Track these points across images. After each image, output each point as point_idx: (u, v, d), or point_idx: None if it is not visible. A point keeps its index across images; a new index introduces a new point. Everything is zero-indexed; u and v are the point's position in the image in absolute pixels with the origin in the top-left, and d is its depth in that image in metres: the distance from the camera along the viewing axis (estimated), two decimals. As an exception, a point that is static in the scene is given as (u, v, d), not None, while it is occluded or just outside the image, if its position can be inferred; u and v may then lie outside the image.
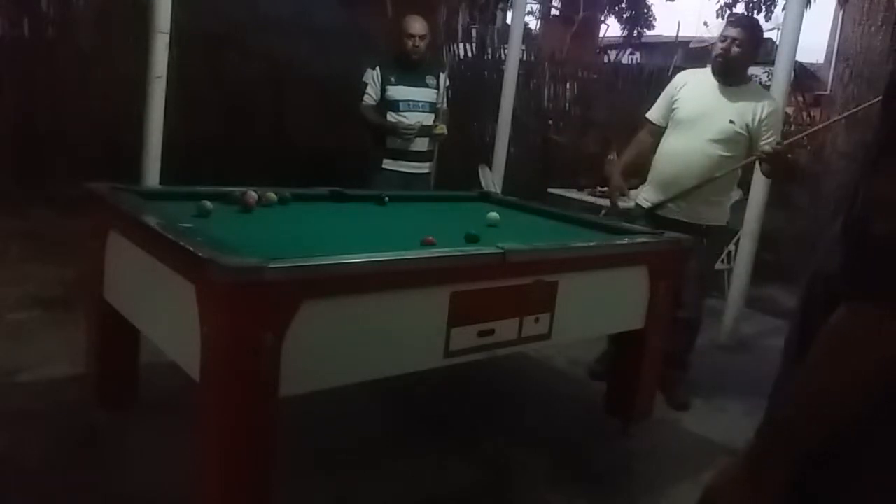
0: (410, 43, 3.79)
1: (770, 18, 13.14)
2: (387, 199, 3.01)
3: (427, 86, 3.91)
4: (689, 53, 12.65)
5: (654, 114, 3.28)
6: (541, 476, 2.47)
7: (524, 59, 6.58)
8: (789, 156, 3.10)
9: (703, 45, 13.04)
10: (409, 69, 3.85)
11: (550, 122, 7.21)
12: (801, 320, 0.91)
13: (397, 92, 3.81)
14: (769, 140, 2.99)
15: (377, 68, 3.83)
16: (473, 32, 7.16)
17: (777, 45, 4.12)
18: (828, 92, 7.57)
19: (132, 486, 2.08)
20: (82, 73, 4.77)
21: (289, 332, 1.67)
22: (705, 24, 14.42)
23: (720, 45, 3.05)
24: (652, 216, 3.16)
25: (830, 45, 10.79)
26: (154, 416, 2.41)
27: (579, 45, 11.21)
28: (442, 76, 3.97)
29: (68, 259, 3.52)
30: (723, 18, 13.62)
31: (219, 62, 5.26)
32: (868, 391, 0.79)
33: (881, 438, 0.84)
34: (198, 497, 1.75)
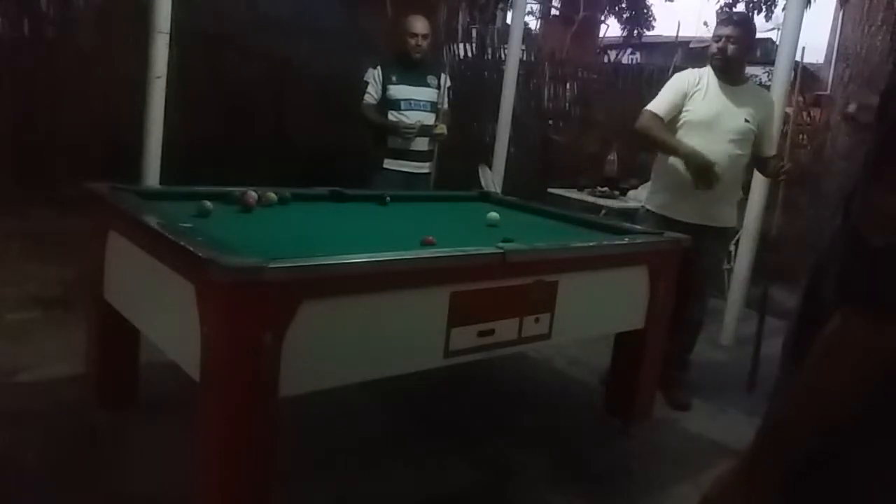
0: (413, 42, 3.79)
1: (770, 18, 13.15)
2: (388, 198, 3.02)
3: (428, 85, 3.91)
4: (689, 53, 12.65)
5: (661, 108, 3.04)
6: (541, 476, 2.47)
7: (524, 59, 6.58)
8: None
9: (703, 45, 13.02)
10: (411, 68, 3.85)
11: (550, 122, 7.22)
12: (799, 322, 0.92)
13: (398, 91, 3.81)
14: (767, 139, 3.10)
15: (378, 67, 3.83)
16: (473, 32, 7.17)
17: (777, 45, 4.11)
18: (828, 92, 7.57)
19: (132, 486, 2.08)
20: (82, 73, 4.77)
21: (289, 332, 1.67)
22: (705, 24, 14.42)
23: (716, 44, 3.03)
24: (661, 219, 3.08)
25: (830, 45, 10.79)
26: (154, 416, 2.41)
27: (579, 45, 11.21)
28: (443, 76, 3.97)
29: (68, 259, 3.52)
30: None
31: (219, 62, 5.26)
32: (861, 397, 0.80)
33: (880, 440, 0.84)
34: (198, 497, 1.75)
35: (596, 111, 7.33)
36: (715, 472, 0.94)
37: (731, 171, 3.00)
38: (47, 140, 4.63)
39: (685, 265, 2.90)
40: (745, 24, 3.12)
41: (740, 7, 12.79)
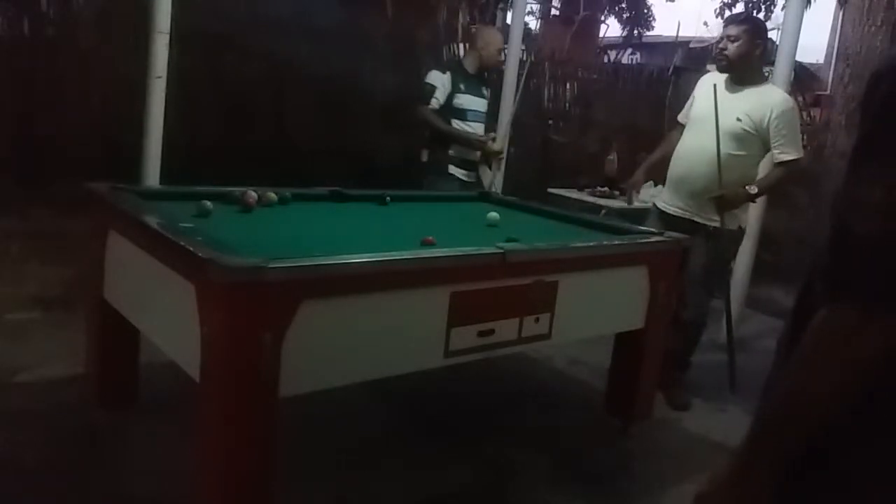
0: (501, 57, 3.95)
1: (770, 18, 13.14)
2: (388, 198, 3.02)
3: (484, 96, 3.99)
4: (689, 53, 12.66)
5: (680, 115, 3.33)
6: (541, 476, 2.47)
7: (524, 59, 6.58)
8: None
9: (703, 45, 13.05)
10: (473, 78, 3.89)
11: (550, 122, 7.21)
12: (793, 322, 0.92)
13: (466, 101, 3.82)
14: (779, 144, 2.95)
15: (448, 73, 3.81)
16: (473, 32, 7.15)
17: (777, 45, 4.12)
18: (828, 92, 7.58)
19: (132, 486, 2.08)
20: (82, 73, 4.76)
21: (289, 332, 1.67)
22: (705, 24, 14.46)
23: (718, 45, 3.07)
24: (661, 214, 3.19)
25: (830, 45, 10.80)
26: (154, 416, 2.41)
27: (579, 45, 11.21)
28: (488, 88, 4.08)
29: (68, 259, 3.52)
30: (722, 18, 13.62)
31: (219, 62, 5.25)
32: (850, 391, 0.80)
33: (880, 440, 0.84)
34: (198, 497, 1.75)
35: (596, 111, 7.33)
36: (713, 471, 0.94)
37: (715, 168, 2.95)
38: (47, 140, 4.63)
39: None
40: (749, 23, 3.07)
41: (740, 7, 12.79)
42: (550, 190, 5.09)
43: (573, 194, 4.99)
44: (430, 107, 3.76)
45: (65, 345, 2.84)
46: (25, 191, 4.36)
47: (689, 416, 3.10)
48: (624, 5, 14.14)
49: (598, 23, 13.57)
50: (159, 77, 3.18)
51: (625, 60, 12.28)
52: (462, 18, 7.05)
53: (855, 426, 0.83)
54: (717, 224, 3.03)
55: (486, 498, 2.34)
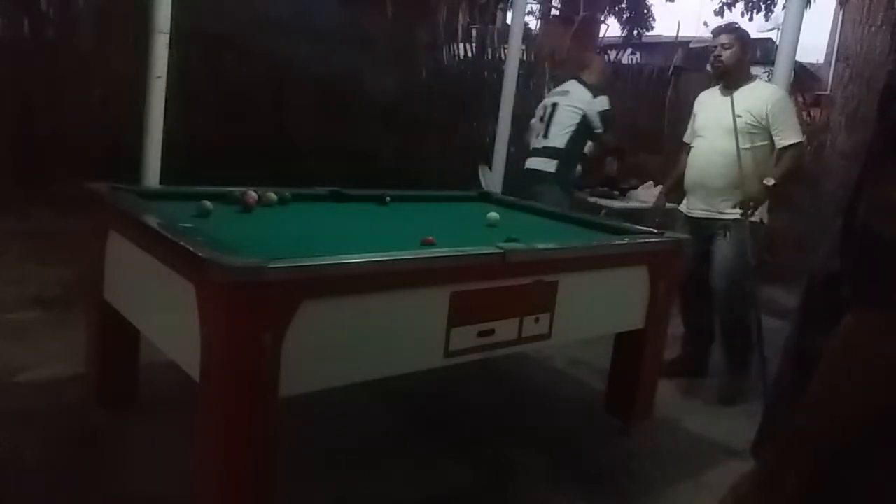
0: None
1: (770, 18, 13.14)
2: (388, 198, 3.02)
3: None
4: (689, 53, 12.65)
5: (686, 136, 3.52)
6: (541, 476, 2.47)
7: (524, 59, 6.58)
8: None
9: (703, 45, 13.03)
10: None
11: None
12: (802, 323, 0.91)
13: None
14: (778, 131, 3.12)
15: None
16: (473, 32, 7.16)
17: (777, 45, 4.12)
18: (828, 92, 7.58)
19: (132, 486, 2.08)
20: (82, 73, 4.76)
21: (289, 332, 1.67)
22: (705, 24, 14.43)
23: (713, 54, 3.25)
24: (690, 220, 3.35)
25: (830, 45, 10.79)
26: (154, 416, 2.41)
27: (579, 45, 11.20)
28: None
29: (68, 259, 3.52)
30: (722, 17, 13.63)
31: (219, 62, 5.26)
32: (878, 395, 0.79)
33: None
34: (198, 497, 1.75)
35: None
36: (716, 473, 0.93)
37: (729, 165, 3.14)
38: (47, 140, 4.63)
39: (699, 267, 3.21)
40: (737, 31, 3.29)
41: (739, 7, 12.80)
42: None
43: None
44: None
45: (65, 345, 2.84)
46: (25, 191, 4.37)
47: (689, 416, 3.09)
48: (624, 5, 14.14)
49: (598, 23, 13.56)
50: (159, 77, 3.18)
51: (625, 60, 12.26)
52: (462, 18, 7.05)
53: (882, 431, 0.82)
54: (737, 216, 3.13)
55: (486, 498, 2.34)
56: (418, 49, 6.30)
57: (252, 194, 2.54)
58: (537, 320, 2.27)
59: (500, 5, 8.14)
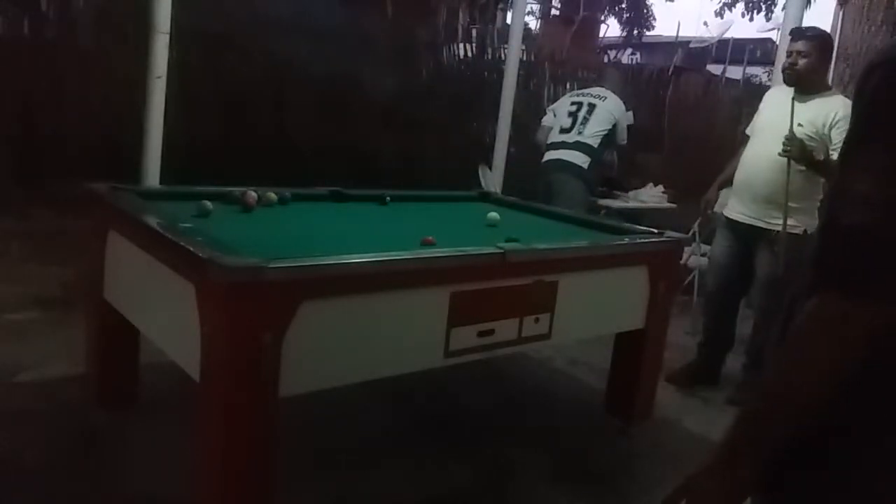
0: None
1: (770, 18, 13.15)
2: (388, 198, 3.01)
3: None
4: (689, 53, 12.66)
5: (748, 128, 3.37)
6: (541, 476, 2.47)
7: (524, 59, 6.58)
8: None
9: (703, 45, 13.05)
10: None
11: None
12: (786, 316, 0.92)
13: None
14: (837, 146, 2.94)
15: None
16: (473, 32, 7.16)
17: (777, 46, 4.12)
18: (828, 92, 7.54)
19: (132, 486, 2.08)
20: (82, 73, 4.76)
21: (289, 332, 1.67)
22: (705, 24, 14.44)
23: (787, 59, 3.06)
24: (730, 222, 3.25)
25: (830, 45, 10.76)
26: (154, 416, 2.41)
27: (579, 45, 11.21)
28: None
29: (68, 259, 3.52)
30: (722, 18, 13.62)
31: (219, 62, 5.25)
32: (838, 377, 0.80)
33: (891, 439, 0.84)
34: (198, 497, 1.75)
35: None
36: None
37: (776, 172, 2.98)
38: (47, 140, 4.63)
39: (731, 277, 3.20)
40: (817, 38, 3.04)
41: (739, 7, 12.80)
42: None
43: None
44: None
45: (65, 345, 2.84)
46: (25, 191, 4.37)
47: (689, 416, 3.10)
48: (624, 5, 14.16)
49: (598, 23, 13.58)
50: (159, 77, 3.19)
51: (625, 60, 12.27)
52: (462, 18, 7.06)
53: (858, 423, 0.84)
54: (779, 228, 3.00)
55: (486, 498, 2.34)
56: (418, 49, 6.30)
57: (252, 194, 2.54)
58: (537, 320, 2.27)
59: (500, 5, 8.15)
